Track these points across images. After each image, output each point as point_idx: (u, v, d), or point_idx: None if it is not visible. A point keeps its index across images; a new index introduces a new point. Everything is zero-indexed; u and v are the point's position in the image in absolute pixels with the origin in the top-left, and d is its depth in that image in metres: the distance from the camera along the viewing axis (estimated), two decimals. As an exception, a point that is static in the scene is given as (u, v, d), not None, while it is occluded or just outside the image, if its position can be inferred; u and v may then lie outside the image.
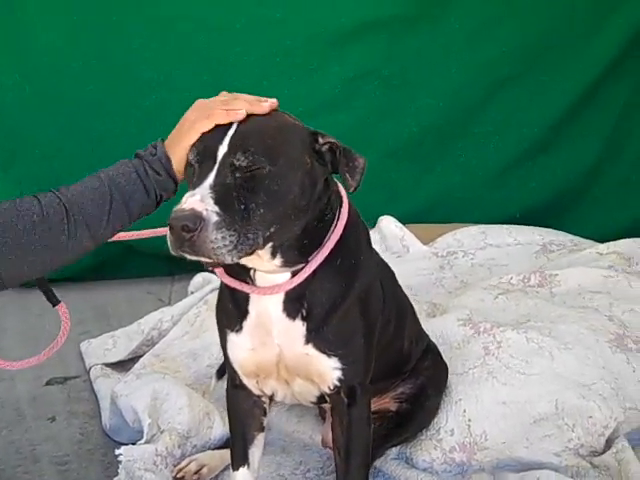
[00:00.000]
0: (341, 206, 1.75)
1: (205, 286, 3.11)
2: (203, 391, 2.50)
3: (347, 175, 1.63)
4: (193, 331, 2.81)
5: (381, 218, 3.32)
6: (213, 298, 2.88)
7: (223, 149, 1.58)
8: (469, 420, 2.18)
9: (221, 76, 3.41)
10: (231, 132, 1.60)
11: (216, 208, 1.50)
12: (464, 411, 2.19)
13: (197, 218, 1.48)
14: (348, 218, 1.75)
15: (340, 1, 3.40)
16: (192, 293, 3.16)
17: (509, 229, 3.30)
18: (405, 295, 2.19)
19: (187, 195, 1.53)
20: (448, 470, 2.13)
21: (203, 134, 1.64)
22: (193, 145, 1.64)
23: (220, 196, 1.52)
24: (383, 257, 2.06)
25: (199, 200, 1.50)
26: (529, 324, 2.48)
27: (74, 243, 1.68)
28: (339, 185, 1.76)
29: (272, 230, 1.58)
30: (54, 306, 1.87)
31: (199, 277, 3.21)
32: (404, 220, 3.36)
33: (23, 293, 2.93)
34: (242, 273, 1.74)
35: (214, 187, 1.53)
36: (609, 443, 2.15)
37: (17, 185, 3.54)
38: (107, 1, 3.35)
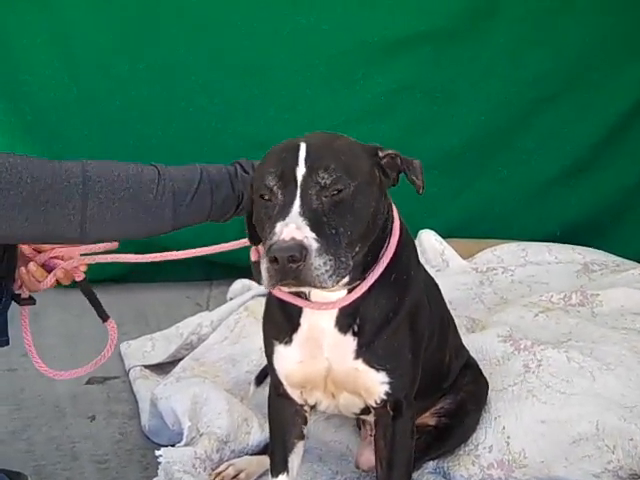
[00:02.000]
0: (393, 222, 1.76)
1: (245, 293, 3.12)
2: (241, 397, 2.51)
3: (414, 178, 1.67)
4: (233, 337, 2.83)
5: (421, 232, 3.32)
6: (253, 305, 2.91)
7: (301, 170, 1.58)
8: (508, 437, 2.17)
9: (264, 84, 3.44)
10: (303, 153, 1.59)
11: (313, 235, 1.51)
12: (503, 428, 2.19)
13: (301, 247, 1.48)
14: (400, 233, 1.77)
15: (386, 13, 3.42)
16: (231, 299, 3.18)
17: (549, 247, 3.28)
18: (447, 309, 2.20)
19: (280, 225, 1.52)
20: (485, 486, 2.13)
21: (274, 157, 1.63)
22: (269, 169, 1.61)
23: (313, 223, 1.52)
24: (423, 271, 2.07)
25: (296, 228, 1.50)
26: (570, 343, 2.47)
27: (158, 206, 1.75)
28: (390, 199, 1.78)
29: (357, 249, 1.60)
30: (104, 322, 1.90)
31: (238, 284, 3.23)
32: (443, 234, 3.35)
33: (63, 294, 2.96)
34: (294, 294, 1.75)
35: (303, 214, 1.53)
36: (649, 466, 2.13)
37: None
38: (155, 8, 3.40)
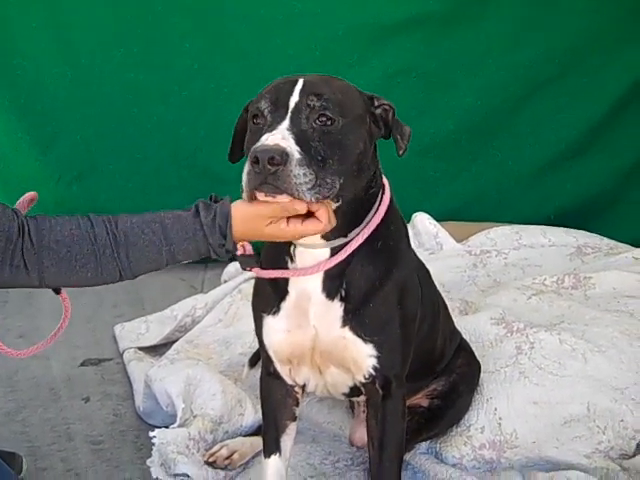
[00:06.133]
0: (383, 191, 1.78)
1: (238, 275, 3.13)
2: (235, 379, 2.52)
3: (398, 137, 1.70)
4: (227, 319, 2.84)
5: (415, 214, 3.33)
6: (247, 287, 2.92)
7: (294, 98, 1.61)
8: (500, 418, 2.19)
9: (260, 68, 3.42)
10: (299, 85, 1.63)
11: (298, 148, 1.55)
12: (495, 409, 2.20)
13: (282, 152, 1.52)
14: (389, 204, 1.78)
15: (381, -3, 3.41)
16: (225, 282, 3.20)
17: (543, 230, 3.29)
18: (439, 293, 2.20)
19: (266, 135, 1.56)
20: (477, 467, 2.14)
21: (272, 86, 1.66)
22: (264, 95, 1.65)
23: (299, 139, 1.56)
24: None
25: (281, 138, 1.55)
26: (562, 326, 2.48)
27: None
28: (382, 171, 1.79)
29: (341, 181, 1.61)
30: (57, 294, 1.88)
31: (232, 266, 3.24)
32: (438, 217, 3.37)
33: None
34: (280, 259, 1.77)
35: (291, 129, 1.57)
36: (640, 447, 2.15)
37: (56, 168, 3.60)
38: (150, -8, 3.39)
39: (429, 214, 3.35)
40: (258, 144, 1.55)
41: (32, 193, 1.81)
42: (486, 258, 3.13)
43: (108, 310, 3.19)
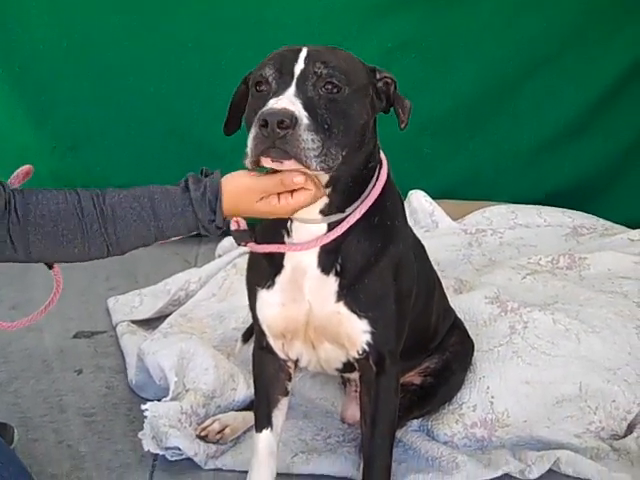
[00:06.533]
0: (381, 166, 1.77)
1: (233, 250, 3.12)
2: (228, 353, 2.52)
3: (400, 110, 1.70)
4: (220, 293, 2.84)
5: (411, 192, 3.31)
6: (241, 262, 2.91)
7: (300, 66, 1.59)
8: (492, 397, 2.19)
9: (257, 41, 3.38)
10: (304, 53, 1.61)
11: (306, 113, 1.53)
12: (487, 388, 2.21)
13: (292, 115, 1.50)
14: (387, 180, 1.77)
15: (381, -30, 3.38)
16: (219, 256, 3.19)
17: (539, 210, 3.28)
18: (434, 270, 2.20)
19: (273, 100, 1.54)
20: (468, 445, 2.15)
21: (276, 54, 1.64)
22: (268, 62, 1.62)
23: (306, 105, 1.54)
24: (412, 231, 2.07)
25: (289, 102, 1.53)
26: (556, 306, 2.49)
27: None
28: (380, 146, 1.78)
29: (344, 153, 1.60)
30: (50, 269, 1.87)
31: (227, 241, 3.23)
32: (434, 195, 3.35)
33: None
34: (277, 233, 1.75)
35: (298, 95, 1.55)
36: (631, 428, 2.16)
37: (51, 139, 3.57)
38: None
39: (425, 192, 3.33)
40: (266, 107, 1.52)
41: (28, 166, 1.79)
42: (481, 237, 3.13)
43: (101, 283, 3.18)
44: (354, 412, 2.20)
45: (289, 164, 1.54)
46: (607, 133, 3.57)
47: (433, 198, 3.32)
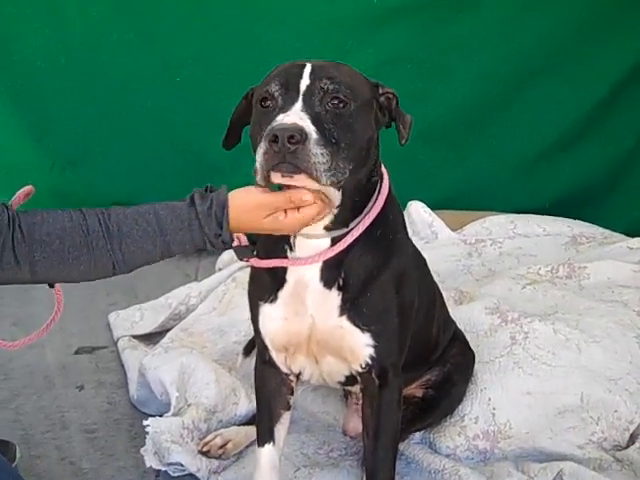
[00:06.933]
0: (382, 180, 1.78)
1: (233, 264, 3.12)
2: (229, 367, 2.52)
3: (401, 127, 1.71)
4: (221, 307, 2.84)
5: (410, 203, 3.31)
6: (241, 275, 2.92)
7: (305, 81, 1.60)
8: (494, 409, 2.19)
9: (255, 55, 3.40)
10: (308, 69, 1.62)
11: (314, 128, 1.54)
12: (489, 399, 2.21)
13: (302, 130, 1.51)
14: (388, 193, 1.78)
15: (377, -17, 3.39)
16: (220, 270, 3.19)
17: (538, 219, 3.29)
18: (435, 282, 2.20)
19: (282, 115, 1.55)
20: (470, 457, 2.15)
21: (279, 69, 1.65)
22: (273, 78, 1.63)
23: (314, 120, 1.55)
24: (410, 242, 2.07)
25: (298, 117, 1.54)
26: (557, 316, 2.49)
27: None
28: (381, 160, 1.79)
29: (351, 167, 1.61)
30: (51, 287, 1.86)
31: (227, 254, 3.22)
32: (433, 206, 3.35)
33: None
34: (279, 247, 1.76)
35: (305, 110, 1.56)
36: (633, 438, 2.15)
37: (50, 155, 3.58)
38: (144, -23, 3.37)
39: (424, 202, 3.33)
40: (275, 123, 1.53)
41: (28, 187, 1.79)
42: (481, 247, 3.13)
43: (102, 298, 3.17)
44: (356, 425, 2.20)
45: (299, 178, 1.55)
46: (605, 140, 3.57)
47: (432, 208, 3.33)
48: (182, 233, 1.66)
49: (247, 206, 1.64)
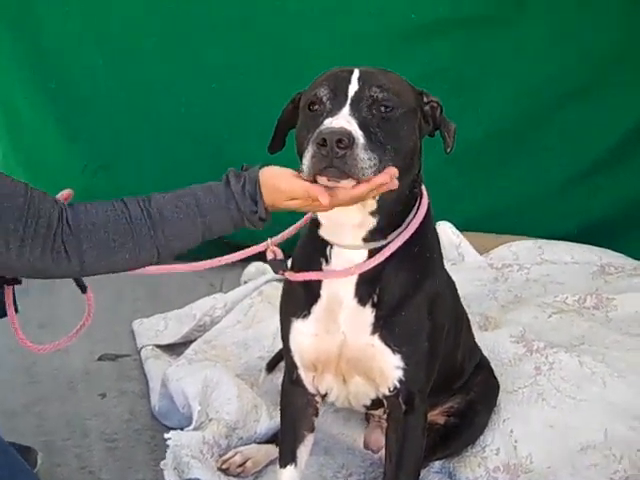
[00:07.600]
0: (422, 196, 1.79)
1: (259, 276, 3.12)
2: (252, 383, 2.52)
3: (446, 134, 1.71)
4: (246, 321, 2.84)
5: (438, 223, 3.28)
6: (267, 289, 2.92)
7: (353, 87, 1.61)
8: (515, 441, 2.17)
9: (287, 63, 3.41)
10: (356, 74, 1.63)
11: (361, 132, 1.55)
12: (511, 431, 2.19)
13: (350, 135, 1.51)
14: (427, 210, 1.78)
15: (414, -3, 3.36)
16: (245, 283, 3.19)
17: (567, 246, 3.26)
18: (463, 307, 2.19)
19: (329, 119, 1.56)
20: (490, 489, 2.14)
21: (328, 74, 1.66)
22: (322, 83, 1.64)
23: (361, 125, 1.56)
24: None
25: (346, 122, 1.54)
26: (582, 347, 2.47)
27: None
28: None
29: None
30: (83, 293, 1.89)
31: (252, 267, 3.23)
32: (460, 227, 3.34)
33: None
34: (314, 260, 1.76)
35: (353, 115, 1.57)
36: (655, 479, 2.13)
37: (82, 157, 3.61)
38: (181, -16, 3.38)
39: (451, 223, 3.32)
40: (323, 126, 1.54)
41: (67, 191, 1.82)
42: (507, 272, 3.11)
43: (126, 305, 3.19)
44: (378, 438, 2.19)
45: (345, 182, 1.56)
46: (637, 169, 3.53)
47: (459, 230, 3.31)
48: (221, 212, 1.68)
49: (269, 188, 1.66)
